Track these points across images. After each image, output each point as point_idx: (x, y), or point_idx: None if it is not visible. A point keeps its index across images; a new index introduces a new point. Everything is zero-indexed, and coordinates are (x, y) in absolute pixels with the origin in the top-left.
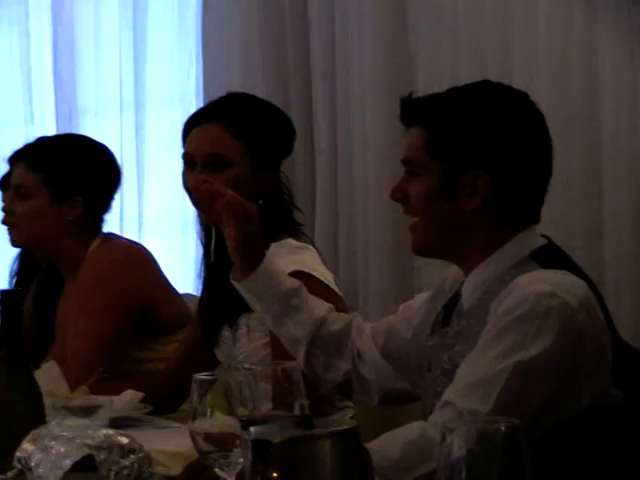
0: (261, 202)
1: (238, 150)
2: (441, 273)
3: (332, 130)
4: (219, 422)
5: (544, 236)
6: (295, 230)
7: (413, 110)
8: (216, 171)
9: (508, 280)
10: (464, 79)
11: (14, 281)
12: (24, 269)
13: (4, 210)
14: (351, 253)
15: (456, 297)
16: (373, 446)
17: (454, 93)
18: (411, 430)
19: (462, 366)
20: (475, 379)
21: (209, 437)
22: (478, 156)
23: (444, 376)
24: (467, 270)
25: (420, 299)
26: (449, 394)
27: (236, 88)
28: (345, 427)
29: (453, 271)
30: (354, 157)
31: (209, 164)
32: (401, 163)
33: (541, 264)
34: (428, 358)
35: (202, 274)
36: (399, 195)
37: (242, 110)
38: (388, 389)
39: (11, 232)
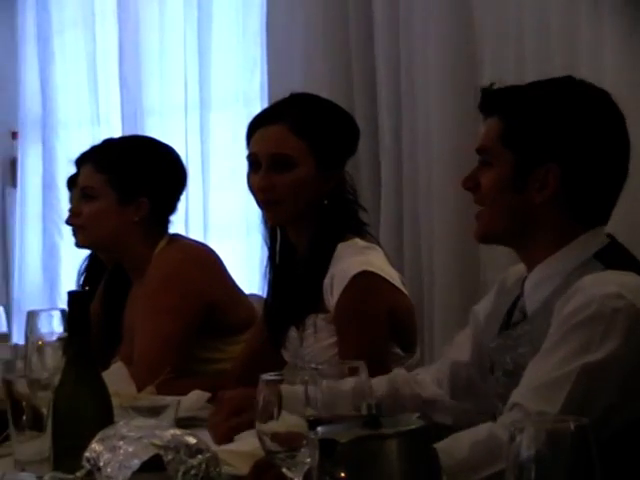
0: (326, 202)
1: (302, 150)
2: (506, 271)
3: (396, 129)
4: (286, 422)
5: (608, 235)
6: (361, 230)
7: (492, 100)
8: (280, 172)
9: (572, 281)
10: (529, 78)
11: (81, 279)
12: (92, 268)
13: (70, 211)
14: (416, 252)
15: (518, 296)
16: (441, 445)
17: (535, 85)
18: (480, 430)
19: (529, 368)
20: (542, 381)
21: (276, 437)
22: (551, 149)
23: (506, 377)
24: (530, 264)
25: (483, 309)
26: (516, 396)
27: (299, 88)
28: (413, 426)
29: (513, 270)
30: (418, 156)
31: (273, 165)
32: (476, 152)
33: (606, 264)
34: (491, 360)
35: (267, 275)
36: (470, 184)
37: (306, 110)
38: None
39: (76, 233)
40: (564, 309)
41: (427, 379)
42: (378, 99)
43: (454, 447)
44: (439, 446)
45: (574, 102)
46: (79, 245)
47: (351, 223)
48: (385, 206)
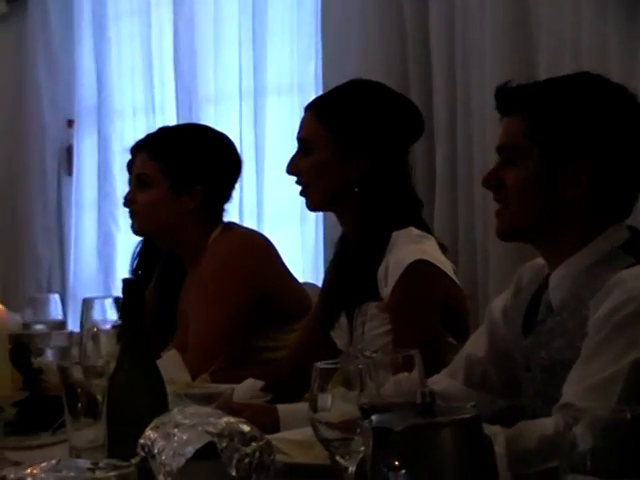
0: (356, 190)
1: (321, 136)
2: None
3: (451, 117)
4: (339, 410)
5: (629, 227)
6: (416, 219)
7: (512, 98)
8: (304, 155)
9: (601, 273)
10: (586, 65)
11: (135, 263)
12: (145, 253)
13: (126, 197)
14: (471, 244)
15: (539, 291)
16: (509, 433)
17: (557, 81)
18: (547, 424)
19: (575, 368)
20: (593, 381)
21: (330, 425)
22: (585, 146)
23: (544, 374)
24: (554, 260)
25: (497, 308)
26: (568, 396)
27: (354, 76)
28: (467, 415)
29: (529, 266)
30: (473, 145)
31: (299, 148)
32: (496, 151)
33: (636, 257)
34: (525, 358)
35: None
36: (492, 182)
37: (335, 96)
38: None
39: (133, 219)
40: (603, 306)
41: (438, 376)
42: (433, 86)
43: (522, 436)
44: (507, 434)
45: (601, 97)
46: (135, 231)
47: (401, 212)
48: (440, 195)
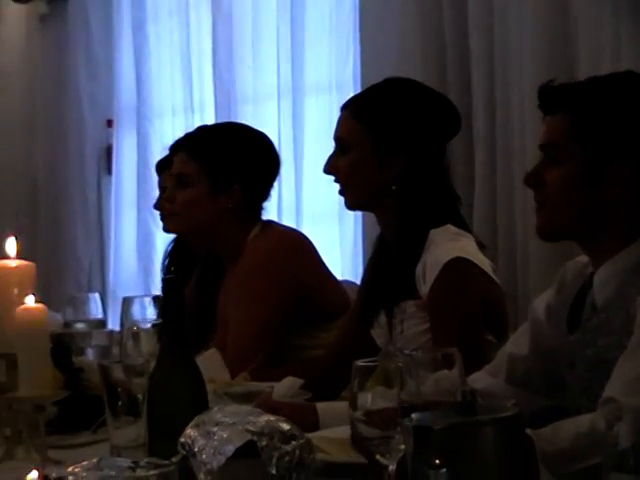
0: (394, 188)
1: (357, 134)
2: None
3: (490, 117)
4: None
5: None
6: (454, 216)
7: (555, 97)
8: (341, 155)
9: None
10: (625, 65)
11: (166, 262)
12: (177, 252)
13: (160, 196)
14: (511, 244)
15: (583, 289)
16: (543, 432)
17: (600, 80)
18: (582, 422)
19: (619, 363)
20: (635, 375)
21: (370, 423)
22: (627, 144)
23: (590, 372)
24: (598, 259)
25: (540, 307)
26: (610, 391)
27: (393, 74)
28: (508, 413)
29: (571, 265)
30: (512, 144)
31: (336, 148)
32: (539, 149)
33: None
34: (570, 356)
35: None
36: (533, 180)
37: (371, 94)
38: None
39: (165, 219)
40: None
41: (480, 374)
42: (472, 85)
43: (557, 436)
44: (541, 433)
45: None
46: (169, 231)
47: (439, 209)
48: (479, 193)
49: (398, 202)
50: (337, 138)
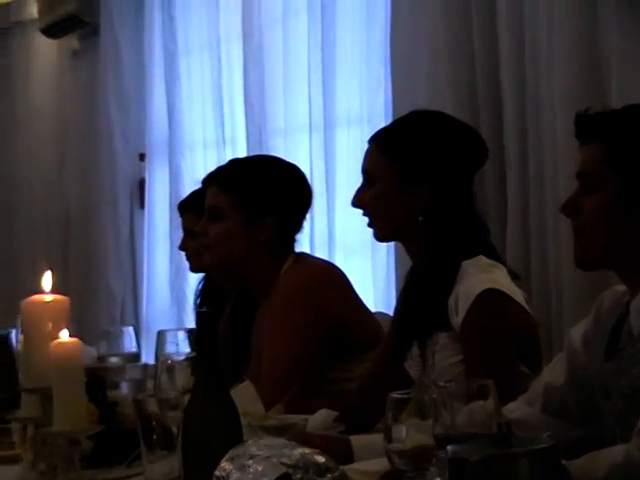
0: (420, 219)
1: (383, 166)
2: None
3: (522, 144)
4: (414, 441)
5: None
6: (485, 246)
7: (590, 126)
8: (368, 187)
9: None
10: None
11: (198, 301)
12: (208, 290)
13: (185, 236)
14: (543, 268)
15: (621, 318)
16: (578, 463)
17: (633, 109)
18: (616, 453)
19: None
20: None
21: (404, 455)
22: None
23: (624, 401)
24: (633, 287)
25: (577, 336)
26: None
27: (424, 105)
28: (544, 445)
29: (609, 293)
30: (544, 171)
31: (364, 181)
32: (575, 177)
33: None
34: (605, 385)
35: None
36: (570, 209)
37: (395, 127)
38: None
39: (191, 257)
40: None
41: (515, 404)
42: (504, 115)
43: (592, 467)
44: (576, 464)
45: None
46: (196, 270)
47: (469, 240)
48: (512, 222)
49: (425, 233)
50: (364, 171)
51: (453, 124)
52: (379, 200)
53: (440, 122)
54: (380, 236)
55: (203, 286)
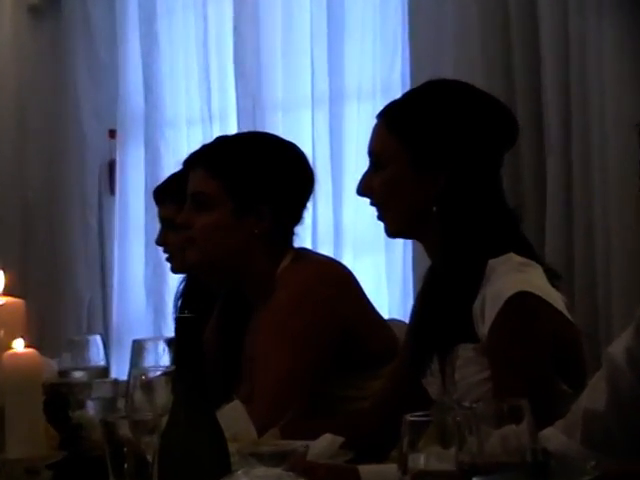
0: (435, 209)
1: (392, 148)
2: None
3: (565, 125)
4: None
5: None
6: (517, 243)
7: None
8: (375, 171)
9: None
10: None
11: (179, 304)
12: (190, 291)
13: (162, 230)
14: (589, 267)
15: None
16: None
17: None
18: None
19: None
20: None
21: None
22: None
23: None
24: None
25: (618, 352)
26: None
27: (449, 76)
28: (587, 478)
29: None
30: (591, 156)
31: (371, 164)
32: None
33: None
34: None
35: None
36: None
37: (407, 100)
38: None
39: (172, 255)
40: None
41: (552, 430)
42: (544, 93)
43: None
44: None
45: None
46: (179, 269)
47: (496, 235)
48: (551, 214)
49: (441, 226)
50: (370, 153)
51: (476, 97)
52: (388, 187)
53: (460, 94)
54: (392, 231)
55: (185, 286)
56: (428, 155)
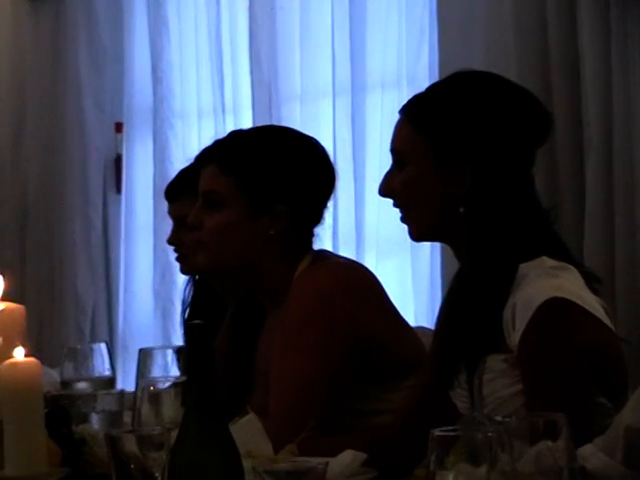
0: (462, 210)
1: (414, 144)
2: None
3: (606, 118)
4: None
5: None
6: (551, 244)
7: None
8: (398, 170)
9: None
10: None
11: (187, 311)
12: (199, 297)
13: (174, 229)
14: (631, 270)
15: None
16: None
17: None
18: None
19: None
20: None
21: None
22: None
23: None
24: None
25: None
26: None
27: (480, 65)
28: None
29: None
30: (634, 151)
31: (394, 162)
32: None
33: None
34: None
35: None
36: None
37: (431, 94)
38: None
39: (183, 257)
40: None
41: (591, 448)
42: (583, 84)
43: None
44: None
45: None
46: (190, 272)
47: (527, 237)
48: (591, 213)
49: (468, 228)
50: (392, 150)
51: (505, 89)
52: (411, 187)
53: (487, 87)
54: (416, 234)
55: (194, 291)
56: (452, 152)
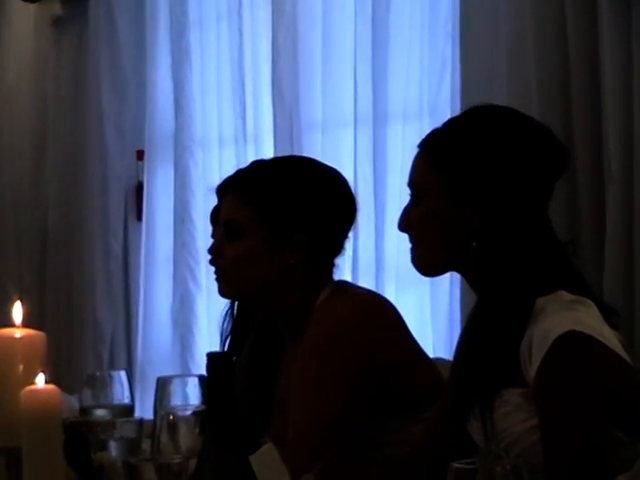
0: (474, 244)
1: (429, 179)
2: None
3: (627, 151)
4: None
5: None
6: (569, 277)
7: None
8: (415, 204)
9: None
10: None
11: (226, 344)
12: (240, 327)
13: (211, 252)
14: None
15: None
16: None
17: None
18: None
19: None
20: None
21: None
22: None
23: None
24: None
25: None
26: None
27: (502, 96)
28: None
29: None
30: None
31: (411, 197)
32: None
33: None
34: None
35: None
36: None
37: (447, 129)
38: None
39: (220, 280)
40: None
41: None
42: (604, 115)
43: None
44: None
45: None
46: (223, 294)
47: (543, 271)
48: (610, 247)
49: (480, 263)
50: (410, 185)
51: (521, 125)
52: (424, 222)
53: (503, 122)
54: (424, 269)
55: (236, 322)
56: (467, 189)
